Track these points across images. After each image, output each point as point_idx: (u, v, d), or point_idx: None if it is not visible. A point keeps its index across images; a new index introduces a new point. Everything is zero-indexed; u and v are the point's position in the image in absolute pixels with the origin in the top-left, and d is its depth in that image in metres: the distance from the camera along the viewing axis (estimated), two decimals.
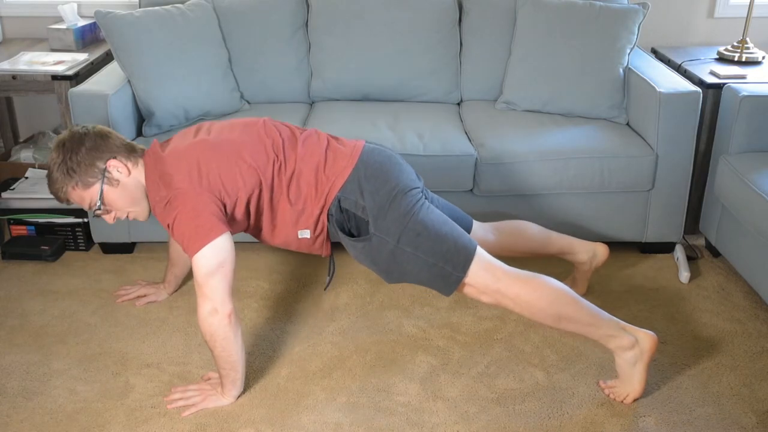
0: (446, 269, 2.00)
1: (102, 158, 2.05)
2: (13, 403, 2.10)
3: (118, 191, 2.08)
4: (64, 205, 2.89)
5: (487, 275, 2.01)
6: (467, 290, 2.04)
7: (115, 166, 2.05)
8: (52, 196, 2.86)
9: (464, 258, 2.00)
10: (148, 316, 2.51)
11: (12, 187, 2.97)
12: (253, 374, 2.20)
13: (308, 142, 2.12)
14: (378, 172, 2.06)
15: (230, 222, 2.05)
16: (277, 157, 2.06)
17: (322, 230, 2.11)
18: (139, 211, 2.14)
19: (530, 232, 2.46)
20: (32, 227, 2.93)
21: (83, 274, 2.77)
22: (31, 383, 2.18)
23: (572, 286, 2.55)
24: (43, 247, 2.85)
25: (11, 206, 2.92)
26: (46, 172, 3.04)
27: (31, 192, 2.93)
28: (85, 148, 2.03)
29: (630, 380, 2.07)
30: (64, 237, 2.91)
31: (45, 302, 2.59)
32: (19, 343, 2.37)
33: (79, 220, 2.88)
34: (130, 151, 2.09)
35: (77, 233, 2.90)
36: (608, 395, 2.11)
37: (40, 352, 2.32)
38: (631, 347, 2.03)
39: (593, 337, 2.04)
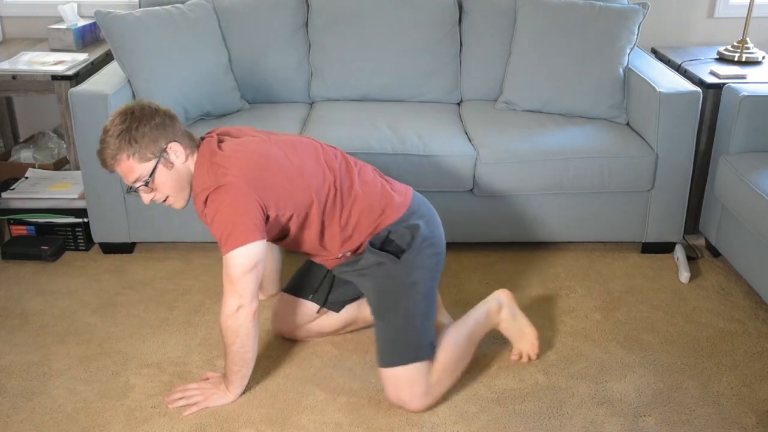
0: (421, 343, 2.06)
1: (165, 138, 1.99)
2: (13, 403, 2.10)
3: (170, 174, 2.02)
4: (63, 206, 2.89)
5: (432, 373, 2.08)
6: (404, 377, 2.05)
7: (175, 150, 2.00)
8: (52, 196, 2.90)
9: (433, 350, 2.08)
10: (148, 316, 2.51)
11: (12, 187, 2.97)
12: (253, 374, 2.20)
13: (363, 172, 2.14)
14: (430, 217, 2.14)
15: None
16: (334, 182, 2.06)
17: (357, 250, 2.12)
18: (179, 198, 2.08)
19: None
20: (32, 227, 2.93)
21: (83, 274, 2.77)
22: (31, 383, 2.18)
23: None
24: (43, 247, 2.85)
25: (11, 206, 2.92)
26: (42, 171, 3.08)
27: (31, 192, 2.93)
28: (154, 123, 1.97)
29: (522, 333, 2.26)
30: (64, 237, 2.91)
31: (45, 302, 2.59)
32: (19, 343, 2.37)
33: (79, 220, 2.88)
34: (190, 140, 2.05)
35: (77, 233, 2.90)
36: (524, 361, 2.26)
37: (40, 352, 2.32)
38: (500, 310, 2.23)
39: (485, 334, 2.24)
